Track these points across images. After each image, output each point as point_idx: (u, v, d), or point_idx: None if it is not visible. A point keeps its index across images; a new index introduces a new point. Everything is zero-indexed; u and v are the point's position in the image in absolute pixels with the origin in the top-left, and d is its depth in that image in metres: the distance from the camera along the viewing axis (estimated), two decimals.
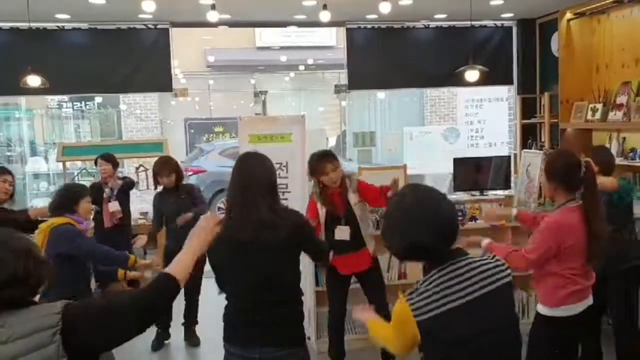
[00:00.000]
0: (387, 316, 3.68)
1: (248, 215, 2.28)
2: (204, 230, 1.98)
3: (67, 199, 3.20)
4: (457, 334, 1.67)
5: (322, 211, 3.63)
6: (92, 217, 3.95)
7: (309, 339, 4.47)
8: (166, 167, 4.52)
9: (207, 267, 6.61)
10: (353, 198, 3.62)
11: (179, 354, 4.66)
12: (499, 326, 1.72)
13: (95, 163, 5.28)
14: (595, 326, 3.62)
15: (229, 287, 2.40)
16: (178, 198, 4.55)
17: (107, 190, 5.13)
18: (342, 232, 3.61)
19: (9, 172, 3.97)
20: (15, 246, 1.55)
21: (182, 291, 1.75)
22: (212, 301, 5.59)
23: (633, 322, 3.85)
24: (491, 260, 1.77)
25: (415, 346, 1.75)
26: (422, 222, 1.70)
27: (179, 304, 4.71)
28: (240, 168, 2.40)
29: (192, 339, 4.74)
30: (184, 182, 4.88)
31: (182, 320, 4.78)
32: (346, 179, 3.65)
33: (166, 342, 4.72)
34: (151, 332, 4.65)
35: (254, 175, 2.34)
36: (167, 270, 1.74)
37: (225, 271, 2.38)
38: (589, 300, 2.73)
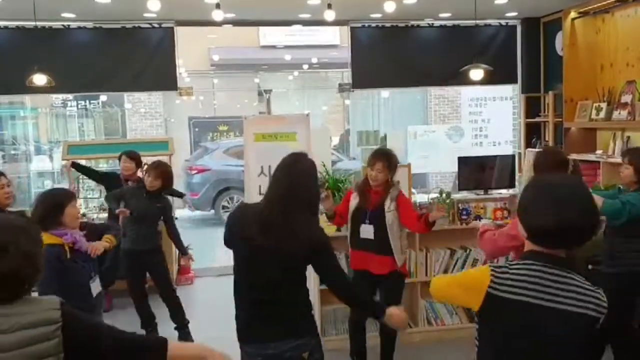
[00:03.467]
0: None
1: (279, 223, 2.30)
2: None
3: (50, 208, 2.85)
4: (516, 330, 1.64)
5: (354, 201, 3.71)
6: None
7: None
8: (152, 170, 4.49)
9: (201, 266, 6.63)
10: (388, 204, 3.62)
11: None
12: (555, 348, 1.64)
13: (119, 159, 5.27)
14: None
15: (239, 284, 2.44)
16: (153, 202, 4.51)
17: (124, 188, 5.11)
18: (366, 231, 3.64)
19: (1, 174, 3.74)
20: (26, 247, 1.54)
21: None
22: (206, 300, 5.66)
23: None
24: (593, 290, 1.66)
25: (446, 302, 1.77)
26: (574, 204, 1.61)
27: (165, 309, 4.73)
28: (289, 172, 2.39)
29: (186, 340, 4.72)
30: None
31: (174, 325, 4.74)
32: (392, 186, 3.67)
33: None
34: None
35: (297, 186, 2.35)
36: (170, 341, 1.72)
37: (237, 263, 2.44)
38: None
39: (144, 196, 4.51)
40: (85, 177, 5.92)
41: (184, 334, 4.70)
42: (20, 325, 1.47)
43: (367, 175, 3.67)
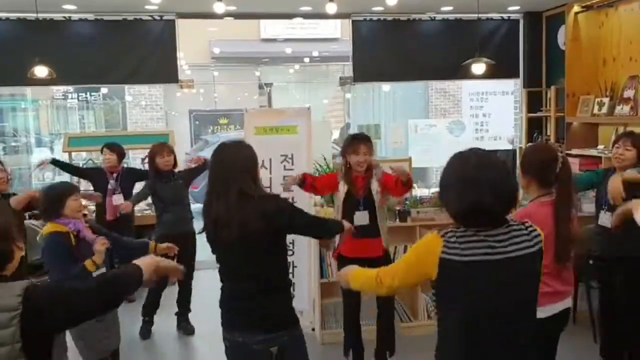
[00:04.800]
0: (389, 305, 3.73)
1: (219, 209, 2.34)
2: (156, 265, 1.89)
3: (52, 201, 2.96)
4: (474, 287, 1.71)
5: (342, 190, 3.67)
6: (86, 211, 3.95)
7: (313, 330, 4.51)
8: (165, 148, 4.64)
9: (202, 258, 6.65)
10: (376, 186, 3.62)
11: (172, 343, 4.69)
12: (515, 294, 1.75)
13: (101, 152, 5.29)
14: None
15: (221, 273, 2.53)
16: (176, 183, 4.63)
17: (111, 182, 5.13)
18: (362, 217, 3.62)
19: None
20: None
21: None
22: (207, 292, 5.67)
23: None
24: (525, 228, 1.79)
25: (409, 288, 1.86)
26: (488, 185, 1.70)
27: (171, 293, 4.80)
28: (215, 158, 2.44)
29: (186, 328, 4.79)
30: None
31: (176, 310, 4.83)
32: (374, 168, 3.66)
33: (153, 329, 4.73)
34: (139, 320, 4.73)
35: (227, 165, 2.39)
36: (137, 262, 1.81)
37: (217, 260, 2.52)
38: (561, 305, 2.61)
39: (164, 184, 4.58)
40: (68, 174, 5.87)
41: (184, 320, 4.80)
42: None
43: (351, 163, 3.61)
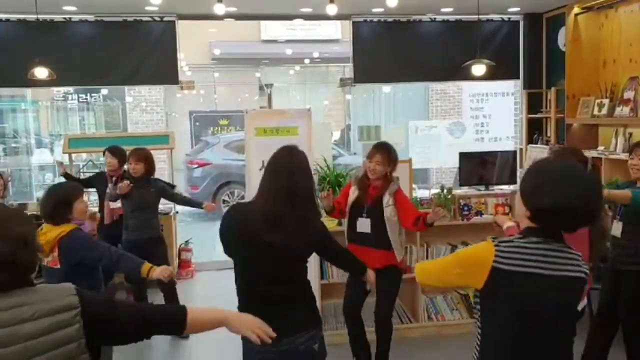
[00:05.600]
0: (386, 321, 3.72)
1: (286, 218, 2.30)
2: (247, 328, 1.81)
3: (59, 204, 2.94)
4: (523, 298, 1.72)
5: (353, 195, 3.71)
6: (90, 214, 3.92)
7: None
8: (134, 154, 4.63)
9: (201, 260, 6.64)
10: (387, 199, 3.61)
11: (165, 346, 4.69)
12: (557, 311, 1.76)
13: (104, 154, 5.29)
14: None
15: (245, 283, 2.44)
16: (147, 190, 4.62)
17: (110, 185, 5.13)
18: (363, 225, 3.64)
19: None
20: (11, 233, 1.50)
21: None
22: (206, 292, 5.68)
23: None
24: (579, 256, 1.80)
25: (445, 289, 1.89)
26: (585, 190, 1.70)
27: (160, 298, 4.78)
28: (288, 165, 2.38)
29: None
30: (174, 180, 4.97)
31: None
32: (391, 181, 3.66)
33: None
34: None
35: (298, 178, 2.36)
36: (189, 307, 1.72)
37: (240, 264, 2.44)
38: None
39: (136, 186, 4.57)
40: (89, 170, 5.93)
41: None
42: (41, 313, 1.46)
43: (366, 168, 3.66)
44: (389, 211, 3.61)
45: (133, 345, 4.61)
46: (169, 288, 4.66)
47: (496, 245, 1.73)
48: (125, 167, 5.06)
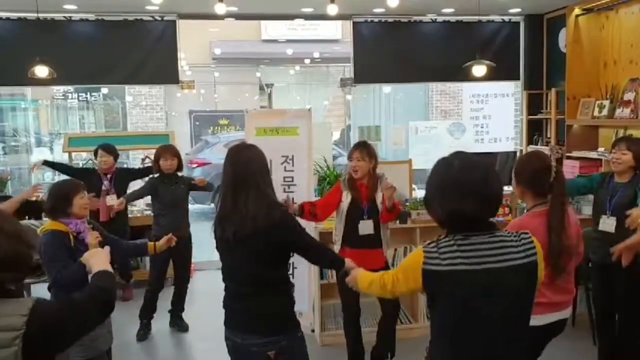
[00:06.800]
0: (393, 313, 3.72)
1: (233, 212, 2.35)
2: (95, 257, 1.98)
3: (58, 199, 2.94)
4: (457, 296, 1.71)
5: (346, 200, 3.65)
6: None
7: (312, 331, 4.50)
8: (169, 150, 4.65)
9: (201, 259, 6.67)
10: (379, 197, 3.62)
11: (168, 343, 4.69)
12: (502, 304, 1.72)
13: (95, 153, 5.27)
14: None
15: (222, 273, 2.55)
16: (177, 186, 4.62)
17: (105, 182, 5.13)
18: (366, 226, 3.60)
19: None
20: (7, 228, 1.52)
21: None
22: (206, 292, 5.70)
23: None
24: (518, 238, 1.77)
25: (408, 294, 1.91)
26: (468, 190, 1.71)
27: (164, 294, 4.80)
28: (233, 161, 2.43)
29: (180, 325, 4.82)
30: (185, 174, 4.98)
31: (169, 308, 4.86)
32: (378, 179, 3.65)
33: (151, 332, 4.75)
34: (137, 322, 4.73)
35: (244, 173, 2.38)
36: (103, 267, 1.87)
37: (222, 265, 2.55)
38: (556, 316, 2.60)
39: (165, 185, 4.60)
40: (62, 174, 5.87)
41: (178, 317, 4.85)
42: None
43: (350, 170, 3.65)
44: (382, 209, 3.63)
45: (133, 343, 4.64)
46: (183, 281, 4.81)
47: (424, 248, 1.77)
48: (125, 164, 5.07)
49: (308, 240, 2.57)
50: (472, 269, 1.69)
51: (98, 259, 1.93)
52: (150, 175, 5.00)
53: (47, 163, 5.52)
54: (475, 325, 1.73)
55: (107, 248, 2.11)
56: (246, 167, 2.38)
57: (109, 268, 1.86)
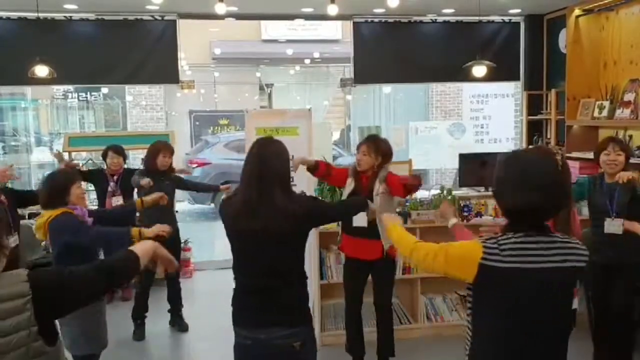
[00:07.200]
0: (387, 309, 3.74)
1: (260, 204, 2.32)
2: (152, 251, 1.96)
3: (56, 190, 2.97)
4: (514, 294, 1.74)
5: (349, 187, 3.77)
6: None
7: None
8: (168, 148, 4.68)
9: (200, 259, 6.67)
10: (377, 187, 3.64)
11: (167, 343, 4.69)
12: (553, 304, 1.77)
13: (104, 155, 5.25)
14: None
15: (236, 270, 2.48)
16: (162, 183, 4.55)
17: (111, 184, 5.13)
18: (360, 219, 3.60)
19: None
20: None
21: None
22: (206, 292, 5.70)
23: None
24: (572, 242, 1.83)
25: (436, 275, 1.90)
26: (542, 183, 1.74)
27: (161, 295, 4.81)
28: (258, 153, 2.43)
29: (180, 324, 4.81)
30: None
31: (168, 307, 4.85)
32: (380, 170, 3.68)
33: (147, 330, 4.72)
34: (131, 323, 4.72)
35: (271, 163, 2.39)
36: (135, 247, 1.88)
37: (234, 255, 2.47)
38: None
39: (156, 179, 4.53)
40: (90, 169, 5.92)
41: (178, 317, 4.83)
42: None
43: (356, 160, 3.76)
44: (378, 200, 3.61)
45: (132, 342, 4.65)
46: (174, 280, 4.74)
47: (483, 243, 1.77)
48: (126, 164, 5.05)
49: (332, 206, 2.76)
50: (530, 267, 1.73)
51: (143, 244, 1.94)
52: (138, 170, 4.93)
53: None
54: (525, 324, 1.75)
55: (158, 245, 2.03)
56: (274, 161, 2.40)
57: (142, 256, 1.85)
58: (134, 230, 3.09)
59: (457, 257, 1.83)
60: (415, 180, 3.58)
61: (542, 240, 1.77)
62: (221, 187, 5.21)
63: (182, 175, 5.10)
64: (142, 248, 1.89)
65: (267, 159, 2.39)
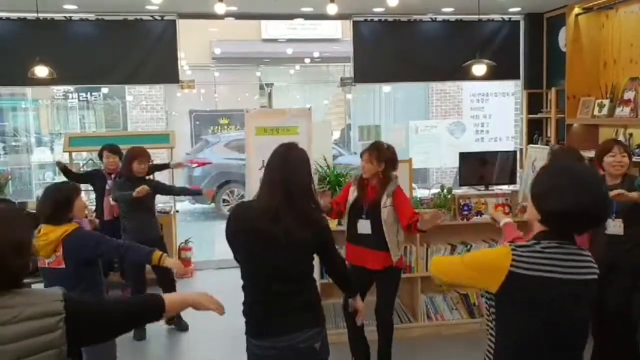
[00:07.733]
0: (387, 319, 3.72)
1: (283, 210, 2.32)
2: (205, 302, 1.88)
3: (60, 203, 2.92)
4: (541, 302, 1.72)
5: (352, 195, 3.73)
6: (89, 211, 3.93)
7: None
8: (145, 154, 4.60)
9: (201, 259, 6.64)
10: (384, 200, 3.61)
11: (165, 342, 4.69)
12: (578, 317, 1.77)
13: (100, 154, 5.27)
14: None
15: (247, 278, 2.45)
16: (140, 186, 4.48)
17: (109, 182, 5.14)
18: (363, 226, 3.65)
19: None
20: (6, 234, 1.51)
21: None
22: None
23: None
24: (587, 253, 1.82)
25: (456, 289, 1.90)
26: (591, 190, 1.72)
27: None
28: (284, 160, 2.41)
29: (179, 324, 4.80)
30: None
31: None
32: (389, 181, 3.65)
33: (147, 330, 4.71)
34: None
35: (295, 173, 2.38)
36: (163, 295, 1.79)
37: (245, 263, 2.44)
38: None
39: (130, 183, 4.50)
40: (90, 169, 5.92)
41: (177, 316, 4.78)
42: (23, 316, 1.46)
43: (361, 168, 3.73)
44: (386, 213, 3.60)
45: (132, 342, 4.67)
46: (167, 284, 4.66)
47: (513, 250, 1.74)
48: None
49: (337, 253, 2.64)
50: (558, 277, 1.71)
51: (183, 299, 1.85)
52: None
53: (63, 169, 5.43)
54: (549, 332, 1.74)
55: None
56: (298, 167, 2.39)
57: (170, 310, 1.77)
58: (155, 255, 3.05)
59: (484, 266, 1.80)
60: (423, 227, 3.42)
61: (571, 251, 1.75)
62: (204, 191, 5.21)
63: (180, 170, 5.07)
64: (174, 300, 1.80)
65: (292, 165, 2.39)
